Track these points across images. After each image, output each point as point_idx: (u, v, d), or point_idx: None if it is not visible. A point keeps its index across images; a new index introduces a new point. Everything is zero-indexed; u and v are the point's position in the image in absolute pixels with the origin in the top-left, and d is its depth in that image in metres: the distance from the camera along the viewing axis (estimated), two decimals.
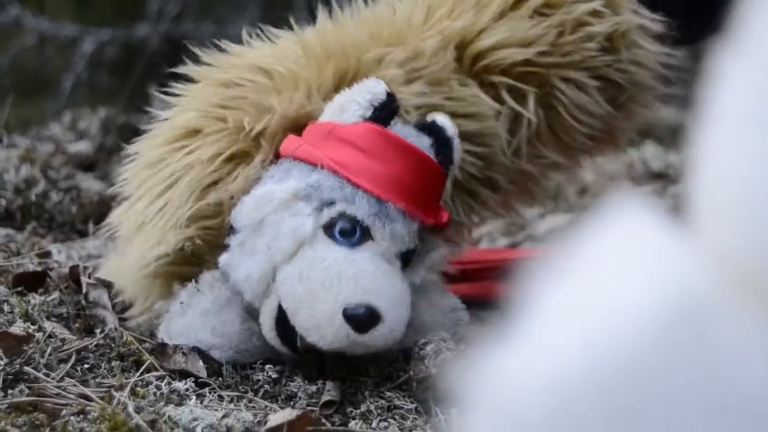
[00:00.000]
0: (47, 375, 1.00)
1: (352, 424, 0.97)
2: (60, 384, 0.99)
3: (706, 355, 0.39)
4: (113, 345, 1.07)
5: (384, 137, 1.07)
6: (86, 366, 1.04)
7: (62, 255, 1.43)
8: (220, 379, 1.03)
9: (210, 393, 1.00)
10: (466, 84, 1.18)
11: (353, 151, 1.06)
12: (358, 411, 1.00)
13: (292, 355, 1.06)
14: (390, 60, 1.14)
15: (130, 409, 0.92)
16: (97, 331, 1.11)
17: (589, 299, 0.41)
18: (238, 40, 1.19)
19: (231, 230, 1.06)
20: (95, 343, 1.08)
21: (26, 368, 0.99)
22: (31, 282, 1.24)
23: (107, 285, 1.18)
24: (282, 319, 1.03)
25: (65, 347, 1.06)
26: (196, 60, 1.17)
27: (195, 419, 0.92)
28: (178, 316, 1.07)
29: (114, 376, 1.02)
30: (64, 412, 0.93)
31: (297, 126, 1.10)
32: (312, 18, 1.21)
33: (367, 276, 1.01)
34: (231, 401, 0.99)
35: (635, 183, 2.15)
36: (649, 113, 1.31)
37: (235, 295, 1.06)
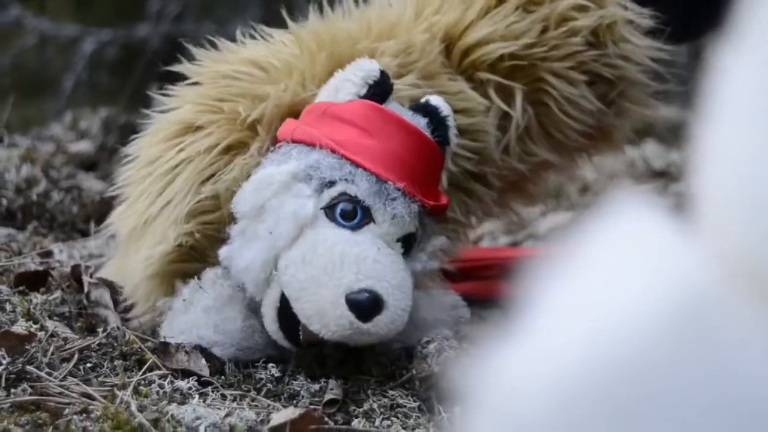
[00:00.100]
0: (50, 374, 1.00)
1: (355, 422, 0.97)
2: (63, 383, 0.99)
3: (708, 353, 0.39)
4: (116, 344, 1.07)
5: (380, 113, 1.07)
6: (89, 365, 1.04)
7: (64, 254, 1.43)
8: (222, 377, 1.04)
9: (213, 392, 1.00)
10: (455, 80, 1.19)
11: (350, 128, 1.06)
12: (361, 409, 1.00)
13: (295, 349, 1.06)
14: (382, 51, 1.15)
15: (133, 408, 0.92)
16: (99, 330, 1.11)
17: (590, 298, 0.41)
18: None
19: (232, 220, 1.06)
20: (98, 342, 1.07)
21: (29, 367, 0.99)
22: (32, 281, 1.24)
23: (109, 284, 1.19)
24: (284, 310, 1.02)
25: (67, 346, 1.06)
26: (194, 59, 1.18)
27: (198, 418, 0.92)
28: (181, 313, 1.07)
29: (117, 375, 1.02)
30: (66, 411, 0.93)
31: (292, 114, 1.10)
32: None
33: (369, 260, 1.00)
34: (234, 400, 0.99)
35: (636, 181, 2.15)
36: (643, 111, 1.31)
37: (237, 292, 1.06)
